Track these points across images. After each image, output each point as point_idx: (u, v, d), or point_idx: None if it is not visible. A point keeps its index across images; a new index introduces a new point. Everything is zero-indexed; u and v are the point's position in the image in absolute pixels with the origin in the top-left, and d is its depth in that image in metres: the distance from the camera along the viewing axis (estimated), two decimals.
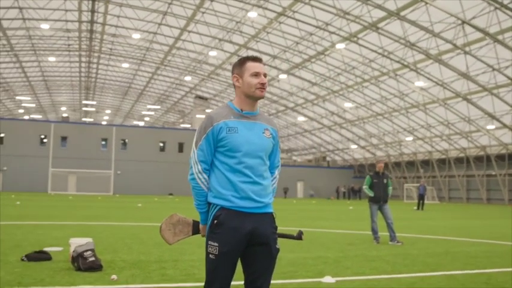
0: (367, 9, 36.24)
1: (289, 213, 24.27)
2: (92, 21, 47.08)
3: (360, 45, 42.18)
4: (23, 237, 10.26)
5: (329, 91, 55.08)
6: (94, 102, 78.35)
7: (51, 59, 57.71)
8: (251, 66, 3.10)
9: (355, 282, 6.50)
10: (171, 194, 57.62)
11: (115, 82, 72.35)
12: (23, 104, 78.80)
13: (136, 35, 49.46)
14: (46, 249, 8.43)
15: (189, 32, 48.08)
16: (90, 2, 42.22)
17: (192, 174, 3.10)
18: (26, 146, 55.92)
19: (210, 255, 3.01)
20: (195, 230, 3.28)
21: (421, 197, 31.88)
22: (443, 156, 56.94)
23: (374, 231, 11.20)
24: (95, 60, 60.96)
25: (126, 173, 58.02)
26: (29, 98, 74.99)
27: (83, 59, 60.21)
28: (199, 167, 3.08)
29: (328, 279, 6.48)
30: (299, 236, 3.51)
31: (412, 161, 62.40)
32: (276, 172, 3.31)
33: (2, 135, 56.19)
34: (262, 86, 3.08)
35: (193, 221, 3.31)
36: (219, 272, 3.01)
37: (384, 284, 6.42)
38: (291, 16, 40.69)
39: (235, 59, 53.33)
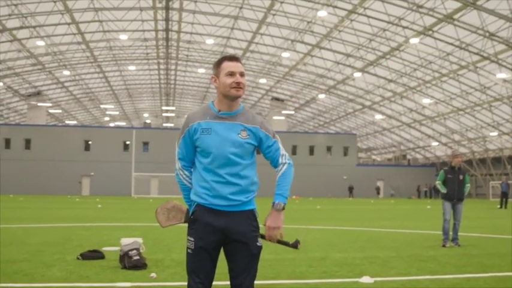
0: (440, 1, 34.95)
1: (358, 213, 23.90)
2: (167, 30, 48.72)
3: (436, 38, 40.73)
4: (87, 238, 10.83)
5: (406, 87, 53.60)
6: (173, 108, 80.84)
7: (132, 67, 60.32)
8: (227, 65, 3.11)
9: (394, 282, 6.34)
10: None
11: (193, 87, 74.32)
12: (107, 112, 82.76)
13: (210, 41, 50.61)
14: (105, 249, 8.88)
15: (261, 34, 48.55)
16: (165, 11, 43.70)
17: (176, 170, 3.26)
18: (111, 152, 58.69)
19: (188, 250, 3.13)
20: (188, 218, 3.37)
21: (504, 195, 30.27)
22: None
23: (444, 232, 10.28)
24: (173, 67, 62.97)
25: None
26: (112, 106, 78.67)
27: (161, 67, 62.40)
28: (179, 164, 3.23)
29: (366, 279, 6.37)
30: (295, 245, 3.48)
31: (498, 157, 59.29)
32: (280, 159, 3.20)
33: (90, 142, 59.32)
34: (238, 85, 3.07)
35: (187, 209, 3.40)
36: (197, 266, 3.09)
37: (424, 284, 6.21)
38: (362, 13, 40.06)
39: (308, 60, 53.45)
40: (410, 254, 8.97)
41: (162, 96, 78.38)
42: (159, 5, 42.74)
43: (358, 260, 8.09)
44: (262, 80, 63.37)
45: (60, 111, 76.06)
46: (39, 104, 62.65)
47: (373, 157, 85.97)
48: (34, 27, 43.45)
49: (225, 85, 3.09)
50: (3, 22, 41.60)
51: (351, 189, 58.95)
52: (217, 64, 3.17)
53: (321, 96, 64.57)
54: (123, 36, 47.82)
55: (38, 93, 63.15)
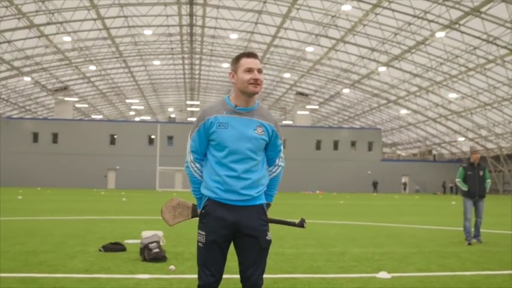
0: None
1: (381, 208, 23.74)
2: (191, 25, 48.93)
3: (462, 32, 40.05)
4: (110, 230, 11.01)
5: (432, 82, 52.89)
6: (198, 102, 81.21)
7: (156, 62, 60.76)
8: (244, 62, 3.16)
9: (412, 278, 6.32)
10: None
11: (217, 82, 74.51)
12: (133, 107, 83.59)
13: (234, 35, 50.67)
14: (126, 241, 9.03)
15: (285, 29, 48.40)
16: (189, 6, 43.90)
17: (186, 162, 3.30)
18: (136, 146, 59.31)
19: (199, 243, 3.18)
20: (194, 213, 3.41)
21: None
22: None
23: (466, 230, 9.99)
24: (197, 62, 63.23)
25: None
26: (137, 101, 79.40)
27: (186, 61, 62.71)
28: (191, 157, 3.26)
29: (383, 274, 6.37)
30: (301, 224, 3.53)
31: None
32: (277, 161, 3.35)
33: (115, 136, 60.05)
34: (256, 82, 3.12)
35: (193, 205, 3.44)
36: (208, 259, 3.16)
37: (443, 281, 6.18)
38: (387, 7, 39.61)
39: (333, 54, 53.13)
40: (431, 250, 8.91)
41: (187, 91, 78.81)
42: (183, 0, 42.95)
43: (378, 256, 8.07)
44: (287, 75, 63.21)
45: (86, 105, 77.06)
46: (66, 99, 63.60)
47: (398, 152, 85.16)
48: (61, 23, 44.05)
49: (243, 81, 3.13)
50: (31, 18, 42.30)
51: (375, 184, 58.54)
52: (236, 60, 3.22)
53: (346, 90, 64.16)
54: (148, 32, 48.18)
55: (65, 88, 64.10)
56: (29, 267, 6.47)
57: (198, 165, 3.26)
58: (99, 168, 58.23)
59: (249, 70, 3.14)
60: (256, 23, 47.79)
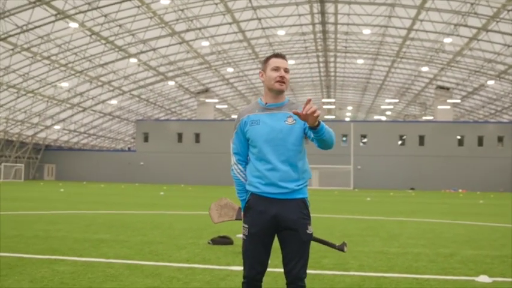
0: None
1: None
2: (323, 22, 48.99)
3: None
4: (228, 225, 11.51)
5: None
6: (333, 100, 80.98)
7: (291, 62, 61.63)
8: (273, 61, 3.34)
9: None
10: (412, 189, 56.39)
11: (353, 79, 73.66)
12: None
13: (367, 31, 49.75)
14: (238, 236, 9.44)
15: (421, 21, 46.46)
16: (320, 4, 44.01)
17: (231, 165, 3.48)
18: None
19: (243, 236, 3.36)
20: (238, 216, 3.60)
21: None
22: None
23: None
24: (332, 59, 63.08)
25: (366, 168, 58.74)
26: None
27: (320, 59, 62.86)
28: (234, 159, 3.48)
29: (483, 278, 6.00)
30: (341, 247, 3.56)
31: None
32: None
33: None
34: (282, 79, 3.29)
35: (239, 208, 3.63)
36: (251, 252, 3.31)
37: None
38: None
39: (474, 44, 49.92)
40: None
41: (323, 89, 78.96)
42: None
43: (489, 259, 7.57)
44: (425, 68, 60.54)
45: (226, 106, 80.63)
46: (207, 101, 67.17)
47: None
48: (199, 29, 46.71)
49: (270, 79, 3.31)
50: (172, 26, 45.38)
51: None
52: (265, 60, 3.42)
53: (491, 82, 59.77)
54: (281, 32, 49.19)
55: (206, 90, 67.76)
56: (140, 255, 7.11)
57: (241, 167, 3.45)
58: None
59: (276, 69, 3.31)
60: (389, 17, 46.51)
